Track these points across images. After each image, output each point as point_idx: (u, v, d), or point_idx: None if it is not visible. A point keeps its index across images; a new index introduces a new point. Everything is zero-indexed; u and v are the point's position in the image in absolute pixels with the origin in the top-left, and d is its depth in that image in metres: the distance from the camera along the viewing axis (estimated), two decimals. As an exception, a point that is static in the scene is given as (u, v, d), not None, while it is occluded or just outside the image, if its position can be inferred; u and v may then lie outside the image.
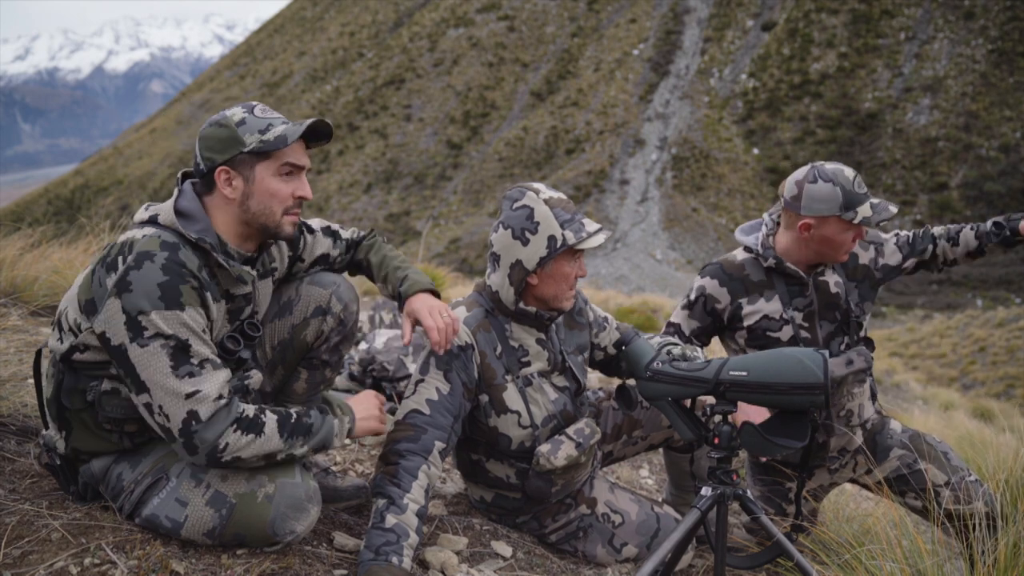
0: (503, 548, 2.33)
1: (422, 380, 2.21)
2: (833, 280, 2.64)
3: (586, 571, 2.38)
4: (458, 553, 2.25)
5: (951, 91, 66.80)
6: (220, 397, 1.79)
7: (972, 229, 2.72)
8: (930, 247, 2.77)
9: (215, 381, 1.79)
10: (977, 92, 65.73)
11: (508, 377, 2.30)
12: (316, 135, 1.98)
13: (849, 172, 2.52)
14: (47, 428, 1.98)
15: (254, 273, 1.98)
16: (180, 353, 1.75)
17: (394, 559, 1.90)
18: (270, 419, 1.85)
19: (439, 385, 2.19)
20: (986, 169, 60.59)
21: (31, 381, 2.83)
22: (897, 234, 2.80)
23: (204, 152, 1.89)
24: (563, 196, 2.27)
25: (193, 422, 1.75)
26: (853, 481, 2.80)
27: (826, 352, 2.03)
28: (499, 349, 2.30)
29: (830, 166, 2.53)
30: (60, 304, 1.90)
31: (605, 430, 2.59)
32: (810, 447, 2.21)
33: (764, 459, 2.72)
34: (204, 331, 1.81)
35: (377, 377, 3.77)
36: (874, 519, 2.57)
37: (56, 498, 2.02)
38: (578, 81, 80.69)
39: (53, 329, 1.89)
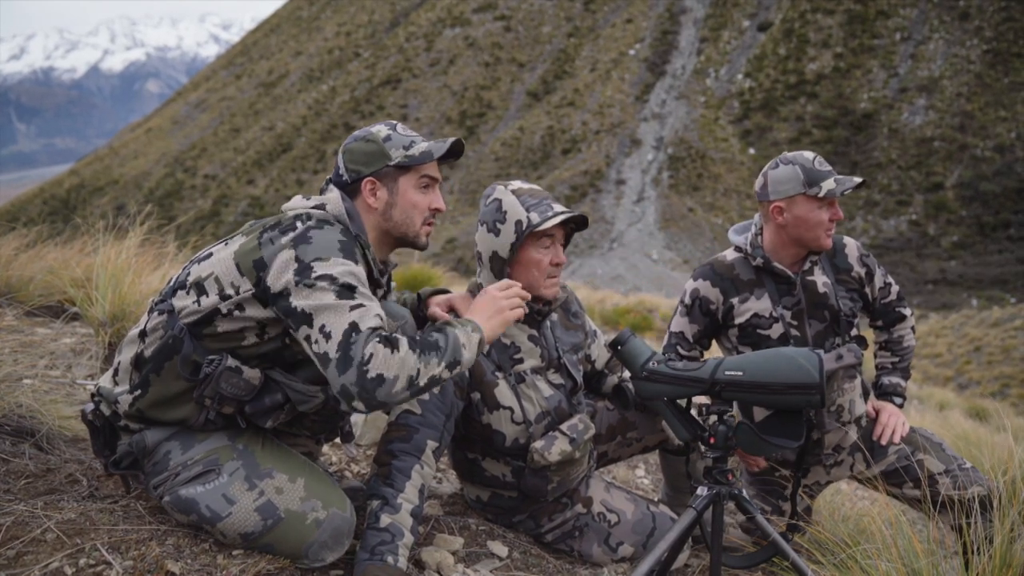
0: (499, 548, 2.33)
1: None
2: (821, 280, 2.67)
3: (582, 571, 2.39)
4: (454, 553, 2.25)
5: (946, 91, 66.99)
6: (378, 316, 1.83)
7: (882, 371, 2.89)
8: (879, 324, 2.89)
9: (375, 308, 1.83)
10: (972, 92, 65.94)
11: (499, 374, 2.31)
12: (451, 153, 2.11)
13: (809, 154, 2.62)
14: (116, 382, 1.98)
15: (393, 283, 2.09)
16: (346, 290, 1.81)
17: (389, 559, 1.90)
18: (401, 340, 1.85)
19: None
20: (981, 169, 60.77)
21: (27, 381, 2.82)
22: (889, 293, 2.82)
23: (349, 164, 2.05)
24: (535, 187, 2.32)
25: (353, 333, 1.76)
26: (852, 478, 2.82)
27: (821, 352, 2.04)
28: (487, 346, 2.31)
29: (791, 153, 2.64)
30: (194, 271, 1.92)
31: (599, 431, 2.59)
32: (806, 446, 2.22)
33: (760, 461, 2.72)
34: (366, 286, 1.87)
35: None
36: (870, 519, 2.57)
37: (51, 498, 2.01)
38: (574, 81, 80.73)
39: (187, 291, 1.90)
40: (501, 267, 2.27)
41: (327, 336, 1.75)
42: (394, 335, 1.82)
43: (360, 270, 1.86)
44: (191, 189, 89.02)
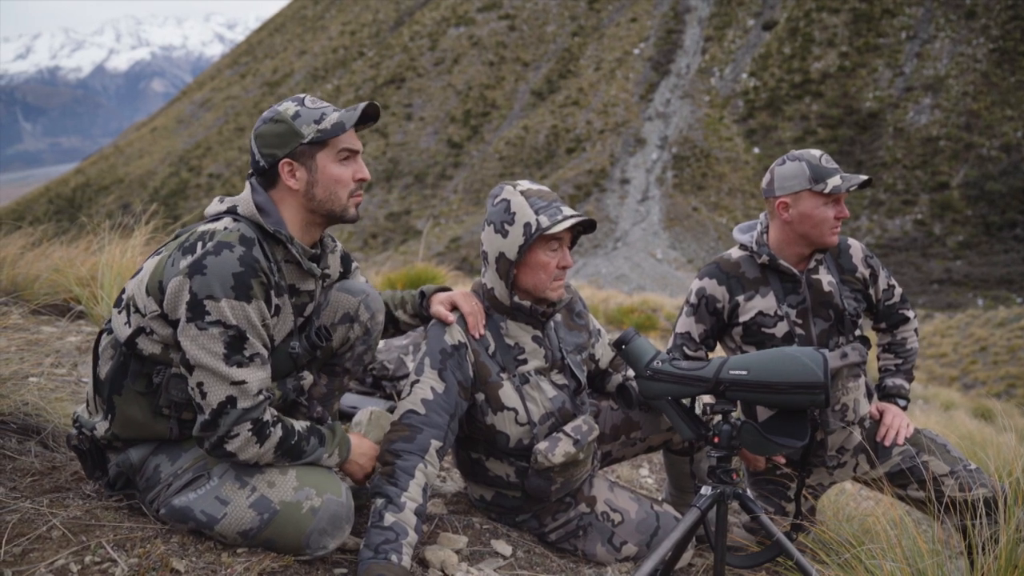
0: (503, 547, 2.33)
1: (417, 380, 2.22)
2: (826, 279, 2.67)
3: (586, 570, 2.39)
4: (458, 552, 2.25)
5: (952, 90, 66.73)
6: (259, 393, 1.86)
7: (885, 373, 2.90)
8: (882, 326, 2.89)
9: (259, 377, 1.86)
10: (978, 91, 65.66)
11: (503, 375, 2.31)
12: (364, 118, 2.03)
13: (816, 151, 2.64)
14: (90, 412, 2.00)
15: (320, 270, 2.07)
16: (236, 342, 1.82)
17: (393, 557, 1.90)
18: (275, 434, 1.89)
19: (434, 384, 2.20)
20: (987, 168, 60.52)
21: (32, 379, 2.83)
22: (893, 295, 2.82)
23: (263, 149, 1.97)
24: (544, 188, 2.30)
25: (228, 406, 1.82)
26: (855, 479, 2.82)
27: (826, 351, 2.04)
28: (492, 347, 2.31)
29: (798, 150, 2.67)
30: (126, 289, 1.95)
31: (603, 430, 2.59)
32: (810, 446, 2.22)
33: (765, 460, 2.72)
34: (263, 325, 1.88)
35: (377, 376, 3.77)
36: (874, 518, 2.57)
37: (57, 496, 2.02)
38: (579, 80, 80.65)
39: (120, 312, 1.93)
40: (508, 268, 2.26)
41: (203, 395, 1.82)
42: (270, 428, 1.87)
43: (254, 308, 1.84)
44: (196, 188, 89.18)
